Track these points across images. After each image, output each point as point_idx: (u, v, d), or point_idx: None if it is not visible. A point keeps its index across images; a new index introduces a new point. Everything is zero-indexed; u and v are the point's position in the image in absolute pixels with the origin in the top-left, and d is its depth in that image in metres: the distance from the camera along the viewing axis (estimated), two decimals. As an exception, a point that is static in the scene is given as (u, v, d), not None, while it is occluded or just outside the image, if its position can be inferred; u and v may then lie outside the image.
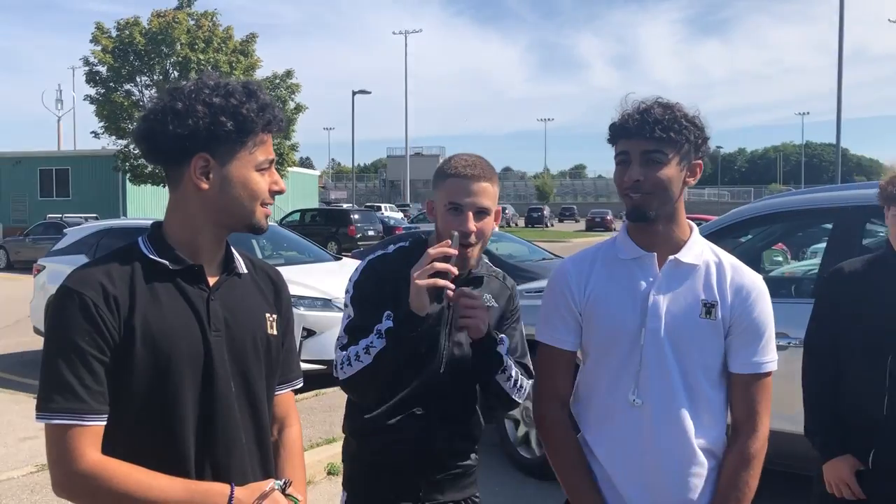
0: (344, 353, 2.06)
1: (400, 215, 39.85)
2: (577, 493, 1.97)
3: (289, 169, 28.69)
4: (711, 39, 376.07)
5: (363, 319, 2.07)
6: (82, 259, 9.17)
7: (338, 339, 2.12)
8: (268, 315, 1.74)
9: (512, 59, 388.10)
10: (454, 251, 1.94)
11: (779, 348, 4.75)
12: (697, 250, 1.94)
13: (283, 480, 1.61)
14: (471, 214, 2.07)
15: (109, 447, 1.51)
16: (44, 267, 9.72)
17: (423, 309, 1.94)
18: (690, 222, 1.98)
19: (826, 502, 2.64)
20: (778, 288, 6.39)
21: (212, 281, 1.65)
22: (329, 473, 5.43)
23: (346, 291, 2.17)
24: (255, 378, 1.68)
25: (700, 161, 1.94)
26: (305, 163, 74.95)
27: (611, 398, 1.94)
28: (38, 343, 9.67)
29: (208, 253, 1.66)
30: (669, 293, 1.90)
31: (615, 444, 1.93)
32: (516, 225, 56.60)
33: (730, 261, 1.96)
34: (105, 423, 1.51)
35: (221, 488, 1.52)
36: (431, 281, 1.90)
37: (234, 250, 1.74)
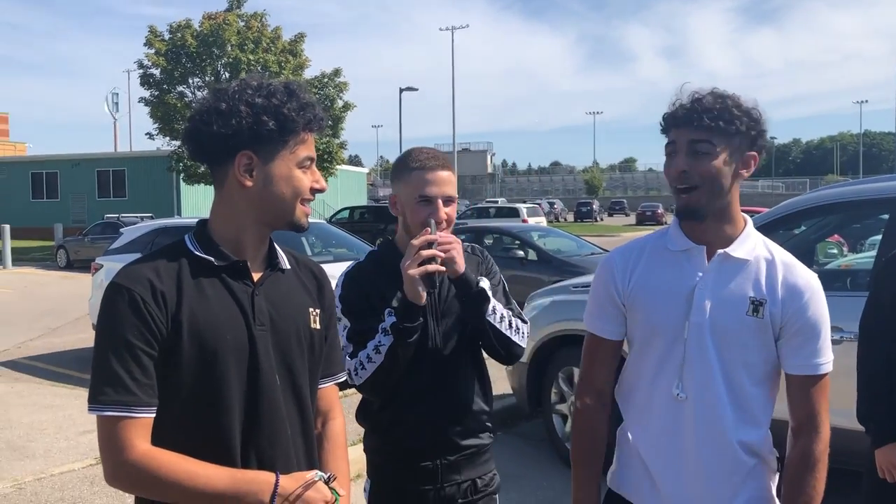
0: (354, 359, 2.15)
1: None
2: (578, 483, 2.02)
3: (337, 167, 28.96)
4: (765, 28, 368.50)
5: (360, 324, 2.17)
6: (139, 257, 9.37)
7: (342, 350, 2.12)
8: (311, 309, 1.77)
9: (560, 52, 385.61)
10: (435, 237, 2.07)
11: (833, 343, 4.65)
12: (749, 245, 1.88)
13: (328, 475, 1.63)
14: (441, 203, 2.19)
15: (158, 438, 1.55)
16: (101, 266, 9.96)
17: (420, 298, 2.06)
18: (745, 216, 1.92)
19: (878, 492, 2.62)
20: (833, 281, 6.24)
21: (256, 276, 1.69)
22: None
23: (336, 307, 2.14)
24: (300, 371, 1.71)
25: (755, 154, 1.86)
26: (354, 160, 75.45)
27: (653, 390, 1.92)
28: (96, 340, 9.94)
29: (252, 249, 1.69)
30: (717, 288, 1.85)
31: (656, 436, 1.92)
32: (565, 220, 56.22)
33: (783, 258, 1.89)
34: (154, 415, 1.55)
35: (267, 476, 1.55)
36: (422, 269, 2.03)
37: (277, 247, 1.78)
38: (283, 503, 1.54)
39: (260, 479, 1.55)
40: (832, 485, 4.66)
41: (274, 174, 1.64)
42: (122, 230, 10.99)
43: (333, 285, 2.05)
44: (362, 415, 2.33)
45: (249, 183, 1.63)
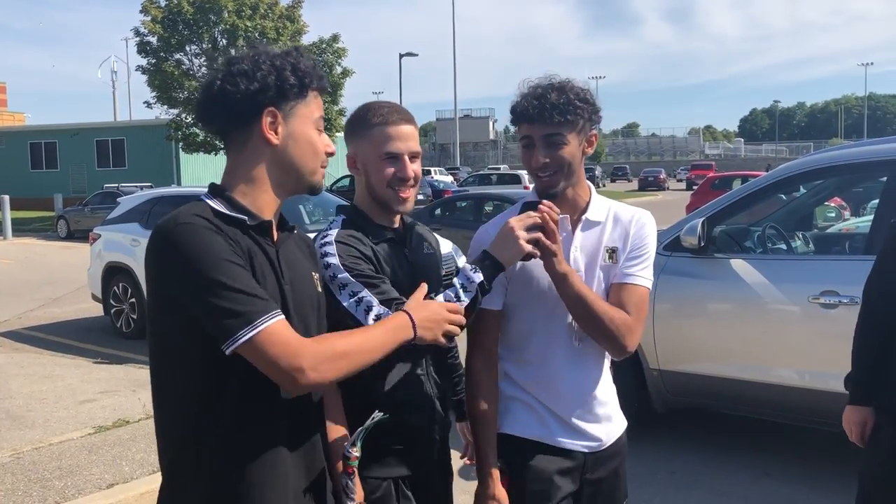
0: None
1: (449, 179, 39.73)
2: (482, 439, 2.16)
3: (337, 134, 28.82)
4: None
5: (386, 288, 2.02)
6: (136, 227, 9.38)
7: (373, 314, 1.96)
8: (313, 273, 1.84)
9: (563, 15, 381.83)
10: (555, 217, 2.01)
11: (827, 307, 4.62)
12: (599, 207, 2.18)
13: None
14: (407, 159, 2.11)
15: (217, 377, 1.59)
16: (99, 235, 9.95)
17: (512, 262, 2.00)
18: (589, 183, 2.20)
19: (872, 457, 2.57)
20: (831, 245, 6.21)
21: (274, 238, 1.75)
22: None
23: (333, 277, 2.01)
24: (311, 331, 1.75)
25: (595, 132, 2.15)
26: (355, 128, 75.01)
27: (546, 346, 2.14)
28: (96, 310, 9.98)
29: (269, 212, 1.73)
30: (584, 245, 2.14)
31: (550, 378, 2.15)
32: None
33: (617, 208, 2.21)
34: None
35: (403, 318, 1.76)
36: (530, 248, 1.96)
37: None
38: (423, 330, 1.76)
39: (401, 322, 1.75)
40: (832, 485, 4.63)
41: (296, 131, 1.71)
42: (119, 199, 10.95)
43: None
44: (355, 402, 2.09)
45: (276, 140, 1.69)
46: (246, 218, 1.65)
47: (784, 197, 6.59)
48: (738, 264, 4.67)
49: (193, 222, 1.57)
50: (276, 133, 1.68)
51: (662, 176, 52.93)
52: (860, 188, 8.65)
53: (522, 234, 1.96)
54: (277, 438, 1.66)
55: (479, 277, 1.97)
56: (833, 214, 9.12)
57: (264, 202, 1.71)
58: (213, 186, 1.72)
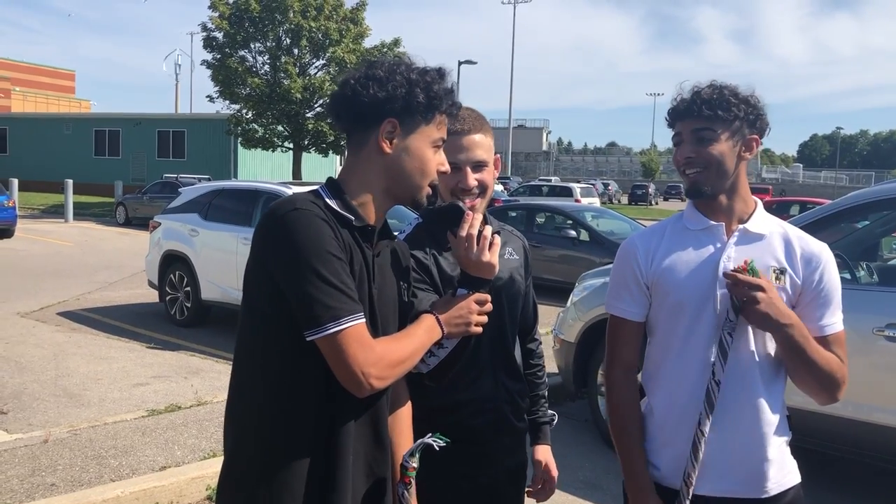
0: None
1: (500, 188, 39.72)
2: (629, 455, 2.04)
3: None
4: (841, 13, 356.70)
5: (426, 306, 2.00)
6: (195, 217, 9.57)
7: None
8: (402, 283, 1.90)
9: (625, 31, 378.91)
10: (486, 231, 1.87)
11: (892, 339, 4.51)
12: (764, 221, 2.03)
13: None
14: (468, 170, 2.09)
15: (302, 365, 1.64)
16: (159, 224, 10.17)
17: (492, 273, 1.87)
18: (755, 198, 2.06)
19: None
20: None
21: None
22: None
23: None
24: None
25: (756, 136, 2.00)
26: (409, 132, 75.37)
27: (682, 362, 1.99)
28: (151, 296, 10.21)
29: (373, 218, 1.77)
30: (740, 259, 1.94)
31: (684, 406, 1.97)
32: (619, 202, 55.54)
33: (795, 232, 2.03)
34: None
35: (430, 319, 1.76)
36: (492, 255, 1.83)
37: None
38: (450, 327, 1.77)
39: (429, 324, 1.76)
40: (871, 483, 4.55)
41: (411, 147, 1.74)
42: (180, 189, 11.18)
43: None
44: (418, 400, 2.11)
45: (389, 150, 1.73)
46: (353, 218, 1.70)
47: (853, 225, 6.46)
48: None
49: (309, 209, 1.62)
50: (392, 143, 1.73)
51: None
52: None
53: (475, 318, 1.81)
54: (344, 437, 1.67)
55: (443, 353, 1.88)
56: (900, 246, 8.90)
57: (371, 205, 1.76)
58: (329, 181, 1.78)
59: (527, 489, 2.37)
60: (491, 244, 1.84)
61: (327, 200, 1.71)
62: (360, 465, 1.72)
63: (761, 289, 1.85)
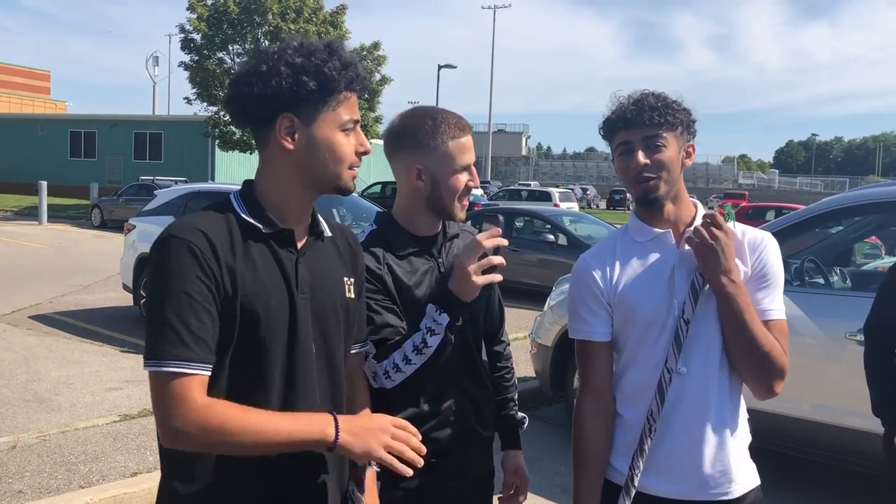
0: (384, 361, 1.97)
1: (480, 192, 39.72)
2: (581, 488, 2.03)
3: (373, 141, 28.92)
4: (817, 21, 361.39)
5: (385, 320, 2.00)
6: (170, 220, 9.45)
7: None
8: (346, 279, 1.77)
9: (605, 37, 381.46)
10: (504, 241, 1.95)
11: (862, 343, 4.55)
12: None
13: None
14: (475, 171, 2.10)
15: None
16: (134, 226, 10.07)
17: (474, 296, 1.94)
18: (694, 200, 2.09)
19: None
20: (869, 282, 6.12)
21: (299, 244, 1.68)
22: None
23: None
24: (334, 340, 1.71)
25: (692, 143, 2.07)
26: (389, 135, 75.18)
27: (646, 373, 1.98)
28: (126, 299, 10.09)
29: (297, 215, 1.68)
30: (693, 262, 1.96)
31: (645, 416, 1.98)
32: (597, 206, 55.79)
33: (740, 227, 2.04)
34: (210, 372, 1.52)
35: (325, 417, 1.55)
36: (489, 278, 1.91)
37: (318, 214, 1.76)
38: (350, 435, 1.53)
39: (318, 419, 1.54)
40: (845, 488, 4.59)
41: (316, 137, 1.62)
42: (156, 192, 11.07)
43: None
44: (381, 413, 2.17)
45: (291, 146, 1.61)
46: (261, 226, 1.61)
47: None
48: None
49: (182, 237, 1.52)
50: (294, 138, 1.61)
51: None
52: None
53: (474, 269, 1.90)
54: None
55: (445, 319, 1.92)
56: (872, 251, 9.00)
57: (289, 204, 1.66)
58: (245, 185, 1.70)
59: (498, 496, 2.33)
60: (490, 270, 1.86)
61: (236, 209, 1.63)
62: (293, 463, 1.62)
63: (725, 234, 1.90)
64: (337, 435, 1.52)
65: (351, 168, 1.67)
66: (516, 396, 2.43)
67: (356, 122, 1.67)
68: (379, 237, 2.11)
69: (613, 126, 2.02)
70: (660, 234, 2.01)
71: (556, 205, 27.69)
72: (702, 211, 2.06)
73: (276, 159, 1.64)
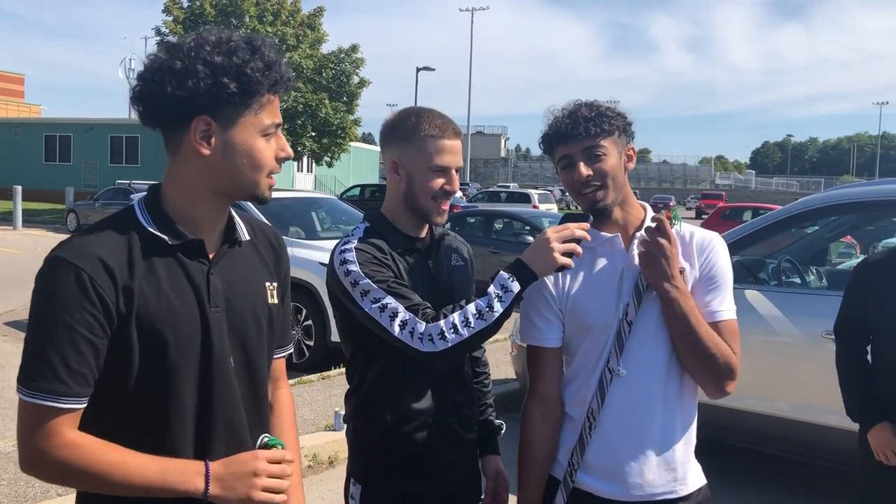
0: (439, 322, 1.88)
1: (459, 194, 39.69)
2: (527, 489, 2.05)
3: (350, 144, 28.89)
4: (792, 23, 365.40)
5: (410, 294, 1.98)
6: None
7: (398, 320, 1.92)
8: (268, 284, 1.67)
9: (582, 39, 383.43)
10: (588, 237, 1.92)
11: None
12: None
13: (264, 439, 1.58)
14: (455, 173, 2.11)
15: (104, 428, 1.46)
16: (111, 231, 9.96)
17: (545, 272, 1.89)
18: (643, 203, 2.10)
19: (872, 492, 2.79)
20: (844, 281, 6.19)
21: (212, 254, 1.57)
22: (330, 463, 5.27)
23: (355, 284, 1.98)
24: (255, 351, 1.63)
25: (632, 146, 2.07)
26: (367, 138, 75.20)
27: (595, 376, 1.98)
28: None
29: (209, 223, 1.57)
30: (637, 266, 1.98)
31: (602, 416, 1.98)
32: (576, 208, 55.59)
33: (689, 228, 2.06)
34: (84, 405, 1.43)
35: (197, 465, 1.46)
36: (566, 259, 1.85)
37: (235, 216, 1.66)
38: (221, 487, 1.45)
39: (190, 468, 1.46)
40: (825, 486, 4.64)
41: (235, 142, 1.49)
42: (132, 196, 10.98)
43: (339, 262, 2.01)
44: (362, 414, 2.15)
45: (207, 151, 1.49)
46: (167, 238, 1.50)
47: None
48: (753, 295, 4.67)
49: (71, 262, 1.42)
50: (210, 143, 1.48)
51: (672, 203, 52.79)
52: (871, 227, 8.64)
53: (557, 246, 1.85)
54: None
55: (516, 287, 1.86)
56: (847, 250, 9.11)
57: (200, 212, 1.54)
58: (151, 191, 1.57)
59: (480, 500, 2.33)
60: (571, 255, 1.86)
61: (140, 220, 1.52)
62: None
63: (669, 240, 1.90)
64: (207, 487, 1.44)
65: (270, 175, 1.56)
66: (493, 402, 2.43)
67: (278, 125, 1.56)
68: (373, 234, 2.11)
69: (552, 141, 2.03)
70: (609, 239, 2.02)
71: (535, 206, 27.75)
72: (650, 214, 2.07)
73: (187, 164, 1.51)
